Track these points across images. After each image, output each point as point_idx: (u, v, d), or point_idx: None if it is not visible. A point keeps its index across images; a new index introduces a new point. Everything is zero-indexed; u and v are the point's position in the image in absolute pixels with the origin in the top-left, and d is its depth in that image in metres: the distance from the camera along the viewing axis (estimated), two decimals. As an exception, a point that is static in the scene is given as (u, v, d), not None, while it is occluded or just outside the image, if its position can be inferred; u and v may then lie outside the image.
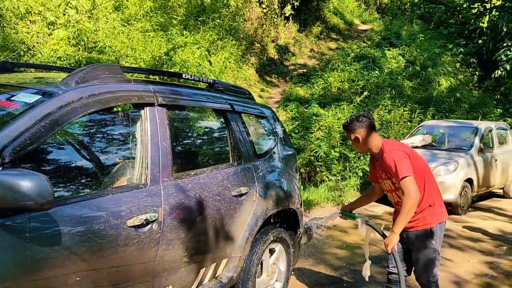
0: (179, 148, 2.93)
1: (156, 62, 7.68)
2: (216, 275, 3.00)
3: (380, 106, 11.45)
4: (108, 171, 2.34)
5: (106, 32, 7.72)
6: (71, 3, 7.35)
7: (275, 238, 3.44)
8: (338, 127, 10.29)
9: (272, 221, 3.43)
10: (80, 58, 6.65)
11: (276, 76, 14.46)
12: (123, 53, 7.64)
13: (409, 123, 11.06)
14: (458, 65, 15.16)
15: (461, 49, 16.08)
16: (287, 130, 10.37)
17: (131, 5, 9.12)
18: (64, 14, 7.26)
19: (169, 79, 4.12)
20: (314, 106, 11.45)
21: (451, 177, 7.24)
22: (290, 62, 15.84)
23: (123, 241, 2.18)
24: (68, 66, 6.27)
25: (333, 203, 7.78)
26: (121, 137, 2.50)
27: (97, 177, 2.26)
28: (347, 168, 9.46)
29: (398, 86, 12.66)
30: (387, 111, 11.33)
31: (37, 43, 6.54)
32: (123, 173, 2.40)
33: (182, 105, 2.76)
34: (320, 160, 9.45)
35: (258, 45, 14.45)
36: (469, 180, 7.68)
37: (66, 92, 2.13)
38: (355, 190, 8.84)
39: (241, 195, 3.07)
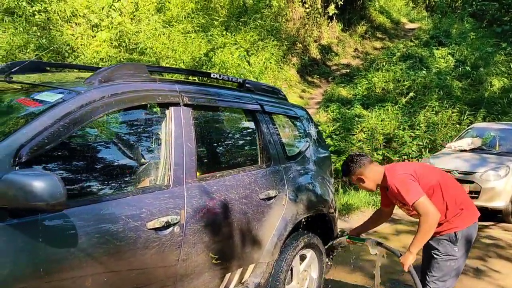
0: (204, 149, 2.86)
1: (196, 63, 7.72)
2: (242, 281, 2.91)
3: (427, 107, 11.00)
4: (130, 172, 2.30)
5: (147, 34, 7.84)
6: (114, 6, 7.52)
7: (306, 244, 3.30)
8: (382, 129, 9.98)
9: (302, 226, 3.30)
10: (122, 59, 6.79)
11: (318, 76, 14.25)
12: (163, 54, 7.73)
13: (457, 126, 10.55)
14: (512, 64, 14.33)
15: (516, 48, 15.18)
16: (327, 131, 10.19)
17: (173, 7, 9.23)
18: (107, 17, 7.44)
19: (200, 79, 4.07)
20: (356, 107, 11.18)
21: (502, 182, 6.78)
22: (333, 62, 15.56)
23: (142, 244, 2.13)
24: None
25: (374, 207, 7.50)
26: (144, 137, 2.46)
27: (117, 178, 2.22)
28: (390, 172, 9.12)
29: (446, 87, 12.13)
30: (434, 112, 10.87)
31: (81, 44, 6.72)
32: (147, 174, 2.35)
33: (209, 105, 2.68)
34: (361, 163, 9.17)
35: (300, 45, 14.29)
36: (522, 187, 7.17)
37: (88, 91, 2.11)
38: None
39: (269, 198, 2.97)
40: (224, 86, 3.05)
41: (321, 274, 3.56)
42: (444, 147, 8.39)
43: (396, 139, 9.68)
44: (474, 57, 14.16)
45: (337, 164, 9.23)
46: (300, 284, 3.37)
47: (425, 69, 13.18)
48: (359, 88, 12.71)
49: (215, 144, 2.96)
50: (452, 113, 10.78)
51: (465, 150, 7.90)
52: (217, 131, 2.99)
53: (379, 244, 3.08)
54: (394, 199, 2.95)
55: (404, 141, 9.54)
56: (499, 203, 6.80)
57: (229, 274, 2.74)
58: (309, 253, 3.41)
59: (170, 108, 2.44)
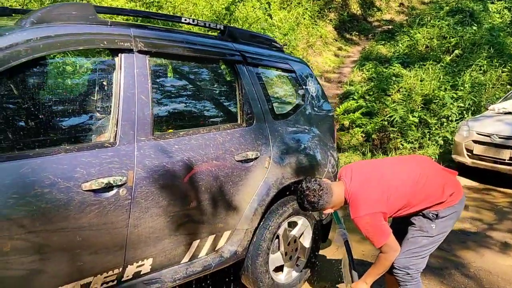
0: (166, 103, 2.57)
1: (216, 18, 7.32)
2: (216, 248, 2.67)
3: (473, 66, 10.05)
4: (63, 127, 2.05)
5: (166, -14, 7.48)
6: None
7: (296, 210, 2.99)
8: (421, 90, 9.25)
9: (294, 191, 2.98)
10: (137, 13, 6.49)
11: (357, 33, 13.41)
12: (183, 8, 7.38)
13: (508, 86, 9.58)
14: None
15: None
16: (360, 91, 9.59)
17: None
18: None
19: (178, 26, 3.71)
20: (395, 66, 10.42)
21: (548, 149, 6.07)
22: (375, 18, 14.58)
23: (77, 207, 1.91)
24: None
25: (402, 173, 7.01)
26: (86, 87, 2.19)
27: (46, 133, 1.98)
28: (426, 135, 8.49)
29: (498, 44, 11.01)
30: (481, 72, 9.93)
31: (97, -2, 6.49)
32: (89, 130, 2.11)
33: (172, 53, 2.36)
34: (395, 125, 8.58)
35: (339, 0, 13.41)
36: None
37: (12, 33, 1.84)
38: (433, 160, 7.90)
39: (248, 160, 2.66)
40: (197, 33, 2.70)
41: (317, 244, 3.26)
42: (487, 109, 7.63)
43: (436, 100, 8.93)
44: (535, 11, 12.76)
45: (368, 127, 8.73)
46: (288, 253, 3.09)
47: (475, 25, 12.01)
48: (400, 45, 11.80)
49: (182, 99, 2.65)
50: (502, 72, 9.81)
51: (510, 113, 7.14)
52: (185, 84, 2.67)
53: (346, 241, 2.78)
54: None
55: (445, 102, 8.79)
56: (545, 173, 6.13)
57: (197, 241, 2.50)
58: (300, 220, 3.11)
59: (120, 55, 2.14)
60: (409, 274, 2.49)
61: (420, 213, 2.48)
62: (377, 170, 2.54)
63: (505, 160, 6.37)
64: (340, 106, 9.43)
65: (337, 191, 2.46)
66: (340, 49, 12.18)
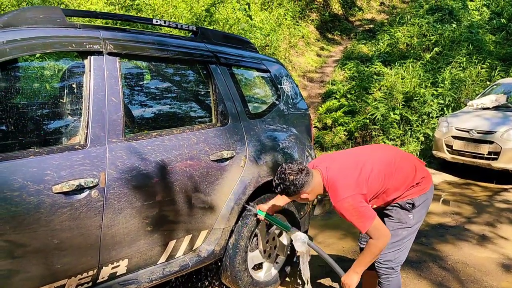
0: (138, 105, 2.58)
1: (196, 20, 7.32)
2: (193, 248, 2.68)
3: (453, 63, 10.22)
4: (32, 130, 2.05)
5: (145, -11, 7.47)
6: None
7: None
8: (402, 87, 9.36)
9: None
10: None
11: (339, 33, 13.51)
12: (163, 11, 7.37)
13: (488, 82, 9.75)
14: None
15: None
16: (342, 90, 9.67)
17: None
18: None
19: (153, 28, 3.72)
20: (376, 64, 10.53)
21: (525, 143, 6.19)
22: (356, 17, 14.71)
23: (48, 209, 1.91)
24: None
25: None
26: (56, 90, 2.19)
27: (13, 137, 1.98)
28: (408, 132, 8.60)
29: (477, 41, 11.21)
30: (461, 68, 10.10)
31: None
32: (59, 132, 2.11)
33: (143, 54, 2.37)
34: (377, 123, 8.67)
35: (321, 0, 13.50)
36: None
37: (-23, 38, 1.84)
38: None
39: (223, 159, 2.68)
40: (169, 34, 2.71)
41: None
42: (466, 105, 7.77)
43: (417, 98, 9.05)
44: (512, 8, 12.97)
45: (350, 125, 8.80)
46: (267, 251, 3.12)
47: (455, 23, 12.20)
48: (381, 44, 11.93)
49: (155, 100, 2.66)
50: (481, 68, 9.98)
51: (488, 108, 7.28)
52: (158, 85, 2.68)
53: (309, 244, 2.68)
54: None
55: (425, 99, 8.92)
56: (521, 165, 6.25)
57: (174, 241, 2.51)
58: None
59: (89, 57, 2.15)
60: (391, 267, 2.52)
61: (397, 204, 2.51)
62: (351, 155, 2.57)
63: (483, 154, 6.50)
64: (323, 105, 9.51)
65: (316, 177, 2.43)
66: (322, 49, 12.26)
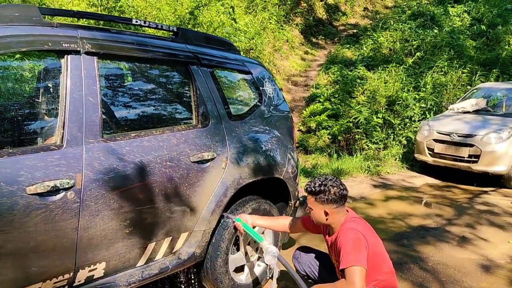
0: (116, 105, 2.54)
1: (180, 22, 7.29)
2: (173, 251, 2.65)
3: (434, 67, 10.37)
4: (7, 130, 2.01)
5: (128, -9, 7.42)
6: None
7: (255, 210, 3.02)
8: (385, 91, 9.46)
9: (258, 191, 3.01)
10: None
11: (323, 37, 13.61)
12: (146, 13, 7.32)
13: (468, 87, 9.91)
14: (533, 22, 13.34)
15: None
16: (326, 94, 9.73)
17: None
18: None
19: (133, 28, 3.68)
20: (360, 68, 10.63)
21: (504, 146, 6.31)
22: (340, 22, 14.84)
23: (21, 211, 1.86)
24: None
25: (367, 173, 7.15)
26: (31, 90, 2.15)
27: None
28: (390, 136, 8.69)
29: (458, 46, 11.41)
30: (442, 73, 10.26)
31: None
32: (34, 133, 2.07)
33: (122, 54, 2.34)
34: (360, 127, 8.74)
35: (305, 4, 13.59)
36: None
37: None
38: (396, 160, 8.10)
39: (204, 161, 2.66)
40: (149, 35, 2.69)
41: (276, 243, 3.28)
42: (447, 109, 7.88)
43: (399, 102, 9.16)
44: (492, 15, 13.22)
45: (334, 129, 8.85)
46: (249, 254, 3.10)
47: (436, 28, 12.40)
48: (365, 48, 12.06)
49: (133, 101, 2.63)
50: (462, 73, 10.15)
51: (468, 112, 7.40)
52: (137, 85, 2.65)
53: (279, 257, 2.65)
54: (332, 251, 2.52)
55: (408, 103, 9.03)
56: (500, 168, 6.37)
57: (153, 244, 2.48)
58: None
59: (66, 56, 2.12)
60: None
61: None
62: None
63: (464, 157, 6.59)
64: (307, 109, 9.55)
65: (342, 213, 2.44)
66: (306, 53, 12.33)
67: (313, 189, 2.41)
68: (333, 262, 2.57)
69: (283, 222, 2.90)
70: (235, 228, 2.85)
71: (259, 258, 3.21)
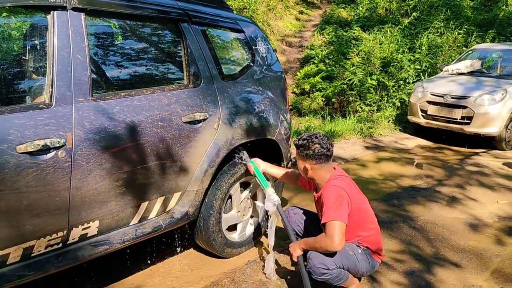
0: (106, 63, 2.49)
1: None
2: (166, 210, 2.68)
3: (431, 28, 10.22)
4: None
5: None
6: None
7: (246, 171, 3.03)
8: (380, 53, 9.35)
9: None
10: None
11: (319, -4, 13.28)
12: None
13: (464, 48, 9.83)
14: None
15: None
16: (320, 55, 9.61)
17: None
18: None
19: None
20: (355, 29, 10.46)
21: (496, 107, 6.32)
22: (336, -20, 14.41)
23: (12, 170, 1.86)
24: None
25: (360, 135, 7.17)
26: (17, 48, 2.09)
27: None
28: (384, 98, 8.67)
29: (455, 6, 11.21)
30: (438, 34, 10.13)
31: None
32: (23, 91, 2.03)
33: (110, 10, 2.27)
34: (354, 89, 8.70)
35: (300, -39, 13.17)
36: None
37: None
38: (390, 121, 8.12)
39: (196, 121, 2.64)
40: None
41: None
42: (442, 71, 7.84)
43: (394, 63, 9.08)
44: (491, -26, 12.94)
45: (328, 91, 8.80)
46: (241, 213, 3.15)
47: (434, -13, 12.13)
48: (360, 8, 11.83)
49: (123, 59, 2.57)
50: (458, 34, 10.03)
51: (463, 73, 7.37)
52: (127, 43, 2.59)
53: (278, 206, 2.76)
54: (318, 205, 2.59)
55: (403, 65, 8.95)
56: (492, 129, 6.41)
57: (146, 203, 2.50)
58: (253, 180, 3.15)
59: (52, 12, 2.05)
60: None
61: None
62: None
63: (457, 119, 6.62)
64: (301, 71, 9.46)
65: (328, 170, 2.50)
66: (301, 12, 12.08)
67: (297, 142, 2.52)
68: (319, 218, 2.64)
69: (290, 175, 2.97)
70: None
71: (251, 218, 3.26)
